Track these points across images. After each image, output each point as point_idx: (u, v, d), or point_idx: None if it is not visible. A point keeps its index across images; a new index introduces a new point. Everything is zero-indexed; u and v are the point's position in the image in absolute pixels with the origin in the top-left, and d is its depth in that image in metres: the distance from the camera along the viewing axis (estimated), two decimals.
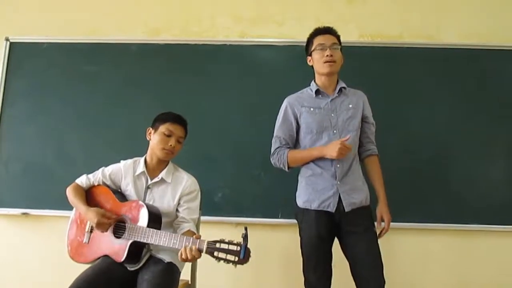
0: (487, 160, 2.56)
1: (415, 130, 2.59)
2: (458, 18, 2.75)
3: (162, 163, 1.97)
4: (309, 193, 1.91)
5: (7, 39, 2.81)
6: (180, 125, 1.96)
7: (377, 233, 1.92)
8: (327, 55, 1.90)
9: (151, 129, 1.98)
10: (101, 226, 1.77)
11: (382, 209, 1.94)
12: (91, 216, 1.78)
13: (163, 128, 1.93)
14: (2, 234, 2.72)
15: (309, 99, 1.98)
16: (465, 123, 2.59)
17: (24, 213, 2.65)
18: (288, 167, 1.98)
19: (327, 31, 1.97)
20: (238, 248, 1.54)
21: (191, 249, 1.59)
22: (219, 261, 1.55)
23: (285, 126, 2.00)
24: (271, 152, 2.02)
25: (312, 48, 1.96)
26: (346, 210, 1.84)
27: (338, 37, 1.98)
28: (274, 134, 2.03)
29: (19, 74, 2.78)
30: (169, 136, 1.92)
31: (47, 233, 2.65)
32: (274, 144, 2.02)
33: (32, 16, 2.90)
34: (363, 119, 1.99)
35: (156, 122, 1.97)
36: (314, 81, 2.02)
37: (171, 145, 1.91)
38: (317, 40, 1.95)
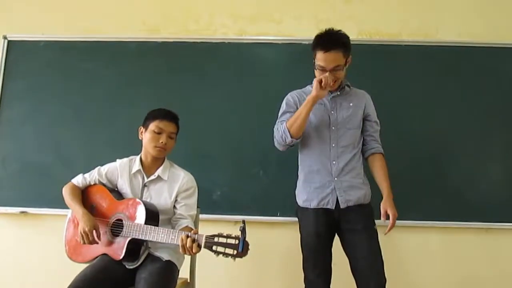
0: (487, 158, 2.55)
1: (414, 128, 2.59)
2: (457, 16, 2.75)
3: (157, 161, 1.97)
4: (308, 192, 1.91)
5: (4, 37, 2.80)
6: (170, 121, 1.94)
7: (385, 230, 1.86)
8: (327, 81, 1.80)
9: (142, 128, 1.97)
10: (85, 236, 1.74)
11: (386, 204, 1.85)
12: (84, 222, 1.76)
13: (152, 126, 1.92)
14: (1, 232, 2.71)
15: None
16: (464, 121, 2.58)
17: (22, 212, 2.64)
18: (291, 136, 1.85)
19: (330, 48, 1.78)
20: (237, 242, 1.54)
21: (190, 243, 1.59)
22: (217, 255, 1.55)
23: (288, 114, 1.94)
24: (274, 138, 1.95)
25: (314, 61, 1.86)
26: (341, 207, 1.84)
27: (344, 47, 1.82)
28: (276, 123, 1.97)
29: (16, 72, 2.77)
30: (159, 133, 1.91)
31: (45, 231, 2.64)
32: (276, 130, 1.94)
33: (30, 14, 2.89)
34: (366, 118, 1.97)
35: (147, 121, 1.96)
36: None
37: (162, 142, 1.90)
38: (318, 58, 1.82)
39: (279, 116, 2.00)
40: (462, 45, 2.65)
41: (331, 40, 1.81)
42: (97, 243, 1.77)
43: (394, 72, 2.64)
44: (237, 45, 2.72)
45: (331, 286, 1.89)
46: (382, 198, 1.92)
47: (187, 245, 1.60)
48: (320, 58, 1.81)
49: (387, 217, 1.85)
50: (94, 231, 1.75)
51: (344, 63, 1.85)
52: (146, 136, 1.94)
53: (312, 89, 1.82)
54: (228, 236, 1.56)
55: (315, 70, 1.88)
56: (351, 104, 1.95)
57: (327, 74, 1.78)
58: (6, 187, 2.66)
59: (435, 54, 2.65)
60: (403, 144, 2.55)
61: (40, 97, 2.73)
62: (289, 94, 2.03)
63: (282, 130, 1.88)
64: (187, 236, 1.61)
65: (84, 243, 1.76)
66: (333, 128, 1.91)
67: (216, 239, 1.56)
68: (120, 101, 2.70)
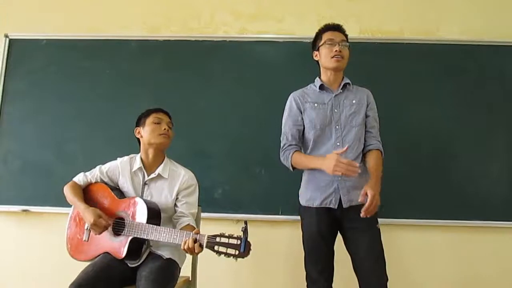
0: (489, 156, 2.55)
1: (415, 126, 2.58)
2: (458, 14, 2.74)
3: (158, 159, 1.97)
4: (311, 191, 1.90)
5: (6, 36, 2.80)
6: (164, 112, 2.01)
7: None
8: (336, 50, 1.90)
9: (138, 128, 1.99)
10: (96, 227, 1.76)
11: (368, 185, 1.77)
12: (88, 216, 1.78)
13: (150, 119, 1.96)
14: (2, 231, 2.71)
15: (313, 94, 1.98)
16: (465, 118, 2.58)
17: (24, 210, 2.64)
18: (293, 168, 1.96)
19: (337, 28, 1.98)
20: (238, 242, 1.55)
21: (192, 243, 1.60)
22: (219, 255, 1.56)
23: (291, 122, 1.97)
24: (280, 149, 2.00)
25: (321, 43, 1.96)
26: (344, 206, 1.84)
27: (346, 36, 1.98)
28: (282, 130, 2.01)
29: (18, 71, 2.77)
30: (158, 123, 1.95)
31: (47, 230, 2.64)
32: (282, 141, 2.00)
33: (31, 12, 2.89)
34: (367, 115, 1.97)
35: (141, 120, 2.00)
36: (319, 76, 2.02)
37: (165, 129, 1.94)
38: (327, 36, 1.95)
39: (283, 123, 2.01)
40: (463, 43, 2.65)
41: (339, 25, 2.00)
42: (110, 224, 1.79)
43: (395, 70, 2.64)
44: (238, 44, 2.72)
45: (333, 284, 1.89)
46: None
47: (189, 245, 1.60)
48: (330, 34, 1.96)
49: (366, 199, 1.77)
50: (101, 220, 1.76)
51: (348, 46, 1.96)
52: (146, 130, 1.96)
53: (329, 164, 1.73)
54: (230, 236, 1.56)
55: (320, 49, 1.96)
56: (354, 102, 1.95)
57: (344, 164, 1.68)
58: (7, 185, 2.67)
59: (437, 52, 2.65)
60: (404, 142, 2.55)
61: (41, 95, 2.73)
62: (292, 96, 2.02)
63: (288, 162, 1.95)
64: (189, 237, 1.61)
65: (98, 233, 1.77)
66: (337, 127, 1.90)
67: (218, 239, 1.57)
68: (121, 99, 2.70)
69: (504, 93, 2.60)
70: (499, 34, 2.67)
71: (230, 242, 1.55)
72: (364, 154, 1.99)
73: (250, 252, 1.55)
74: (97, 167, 1.99)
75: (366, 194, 1.74)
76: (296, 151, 1.95)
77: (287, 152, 1.95)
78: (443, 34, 2.71)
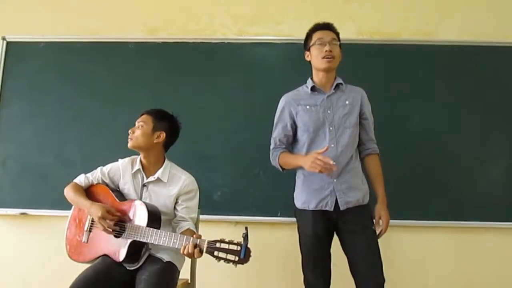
0: (487, 157, 2.55)
1: (414, 128, 2.59)
2: (457, 15, 2.74)
3: (157, 161, 1.96)
4: (307, 194, 1.90)
5: (3, 39, 2.79)
6: (142, 114, 1.99)
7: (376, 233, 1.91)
8: (326, 51, 1.88)
9: None
10: (103, 221, 1.75)
11: (380, 209, 1.91)
12: (95, 210, 1.77)
13: None
14: (1, 234, 2.71)
15: (305, 96, 1.97)
16: (464, 120, 2.58)
17: (22, 213, 2.64)
18: (283, 169, 1.99)
19: (327, 27, 1.96)
20: (239, 248, 1.55)
21: (192, 249, 1.60)
22: (219, 260, 1.56)
23: (280, 127, 2.00)
24: (270, 152, 2.03)
25: (311, 43, 1.95)
26: (341, 209, 1.84)
27: (337, 34, 1.97)
28: (272, 134, 2.03)
29: (16, 73, 2.76)
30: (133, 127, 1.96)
31: (46, 233, 2.64)
32: (271, 145, 2.03)
33: (29, 15, 2.89)
34: (362, 116, 1.97)
35: None
36: (311, 77, 2.01)
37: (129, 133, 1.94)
38: (316, 35, 1.93)
39: (274, 126, 2.03)
40: (462, 44, 2.65)
41: (328, 24, 1.99)
42: (118, 217, 1.78)
43: (394, 72, 2.64)
44: (237, 45, 2.72)
45: (331, 286, 1.89)
46: (376, 200, 1.94)
47: (189, 250, 1.61)
48: (319, 33, 1.94)
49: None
50: (109, 215, 1.75)
51: (339, 45, 1.94)
52: None
53: (305, 163, 1.77)
54: (230, 242, 1.56)
55: (310, 49, 1.95)
56: (347, 102, 1.94)
57: (321, 162, 1.70)
58: (6, 188, 2.66)
59: (435, 53, 2.65)
60: (403, 144, 2.55)
61: (39, 98, 2.73)
62: (283, 100, 2.01)
63: (276, 163, 1.99)
64: (189, 241, 1.62)
65: (106, 230, 1.76)
66: (331, 128, 1.90)
67: (218, 245, 1.57)
68: (119, 102, 2.69)
69: (503, 94, 2.61)
70: (497, 34, 2.68)
71: (230, 248, 1.55)
72: (362, 157, 2.00)
73: (250, 258, 1.54)
74: (98, 168, 1.98)
75: (380, 218, 1.89)
76: (282, 152, 1.97)
77: (275, 153, 1.99)
78: (442, 35, 2.71)
